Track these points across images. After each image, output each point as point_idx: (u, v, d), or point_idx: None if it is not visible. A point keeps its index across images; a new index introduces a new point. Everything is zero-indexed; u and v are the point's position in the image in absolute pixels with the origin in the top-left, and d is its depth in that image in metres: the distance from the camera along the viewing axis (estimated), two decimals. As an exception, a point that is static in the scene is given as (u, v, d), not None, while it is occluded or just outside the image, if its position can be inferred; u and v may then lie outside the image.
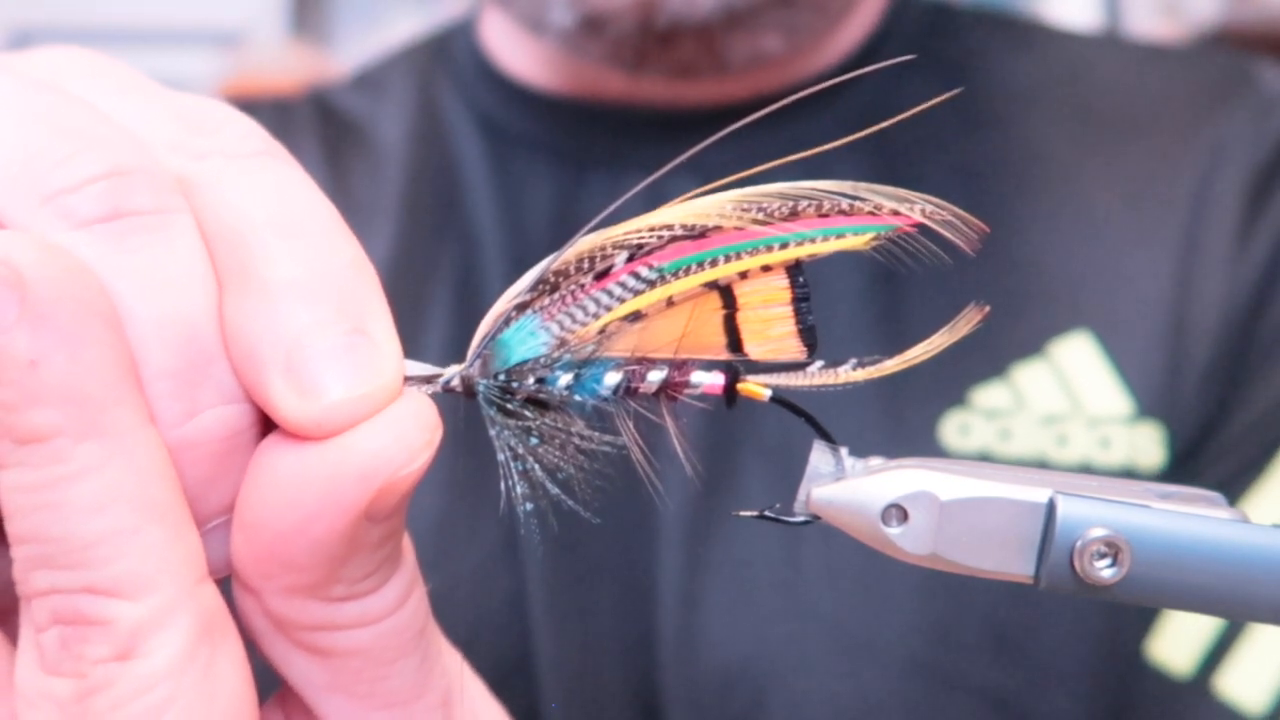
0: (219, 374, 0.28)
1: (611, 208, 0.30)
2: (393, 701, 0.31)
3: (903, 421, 0.65)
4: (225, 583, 0.30)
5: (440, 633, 0.33)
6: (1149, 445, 0.64)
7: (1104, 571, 0.30)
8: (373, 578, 0.29)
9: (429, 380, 0.31)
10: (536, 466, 0.32)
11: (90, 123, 0.29)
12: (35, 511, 0.26)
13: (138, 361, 0.27)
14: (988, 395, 0.65)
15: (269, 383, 0.28)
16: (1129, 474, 0.64)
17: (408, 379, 0.30)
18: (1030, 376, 0.66)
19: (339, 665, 0.30)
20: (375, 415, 0.28)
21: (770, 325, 0.31)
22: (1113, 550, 0.30)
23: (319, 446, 0.27)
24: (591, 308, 0.31)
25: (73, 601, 0.27)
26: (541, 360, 0.31)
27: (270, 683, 0.32)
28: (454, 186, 0.74)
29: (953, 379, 0.66)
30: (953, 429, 0.65)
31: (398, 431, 0.28)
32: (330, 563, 0.28)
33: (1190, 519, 0.30)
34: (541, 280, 0.31)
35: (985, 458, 0.64)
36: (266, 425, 0.29)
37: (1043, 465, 0.64)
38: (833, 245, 0.30)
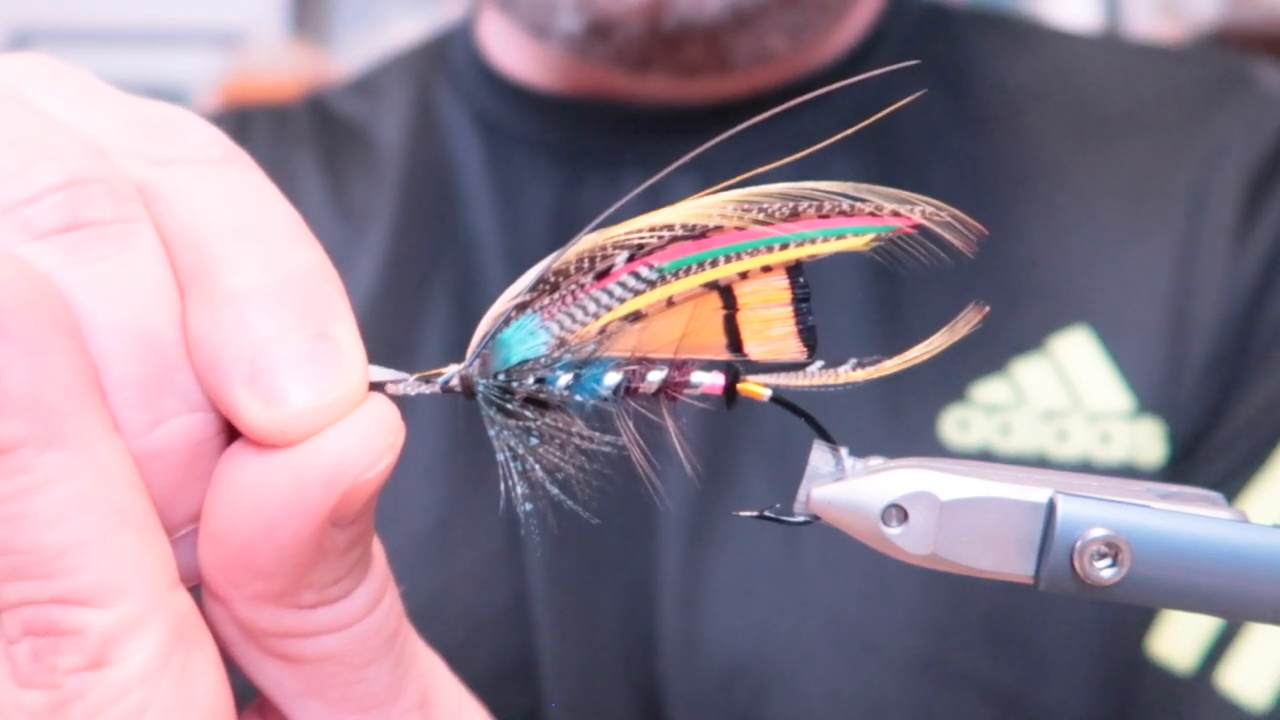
0: (183, 382, 0.28)
1: (614, 208, 0.30)
2: (369, 705, 0.31)
3: (902, 417, 0.65)
4: (197, 592, 0.30)
5: (415, 634, 0.33)
6: (1149, 441, 0.65)
7: (1104, 572, 0.30)
8: (342, 583, 0.29)
9: (429, 379, 0.31)
10: (536, 466, 0.32)
11: (47, 132, 0.29)
12: (1, 524, 0.26)
13: (100, 371, 0.27)
14: (987, 391, 0.65)
15: (233, 391, 0.27)
16: (1129, 469, 0.64)
17: (372, 384, 0.30)
18: (1030, 372, 0.66)
19: (312, 671, 0.30)
20: (340, 420, 0.28)
21: (770, 325, 0.31)
22: (1113, 550, 0.30)
23: (283, 452, 0.27)
24: (592, 307, 0.31)
25: (43, 612, 0.27)
26: (541, 360, 0.31)
27: (249, 693, 0.32)
28: (452, 188, 0.74)
29: (952, 375, 0.66)
30: (952, 424, 0.65)
31: (360, 435, 0.28)
32: (297, 569, 0.28)
33: (1190, 519, 0.30)
34: (542, 280, 0.31)
35: (985, 453, 0.64)
36: (232, 432, 0.29)
37: (1042, 461, 0.64)
38: (833, 246, 0.30)
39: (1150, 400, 0.65)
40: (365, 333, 0.30)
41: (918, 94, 0.31)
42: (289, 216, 0.30)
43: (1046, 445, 0.65)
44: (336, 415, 0.28)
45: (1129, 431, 0.64)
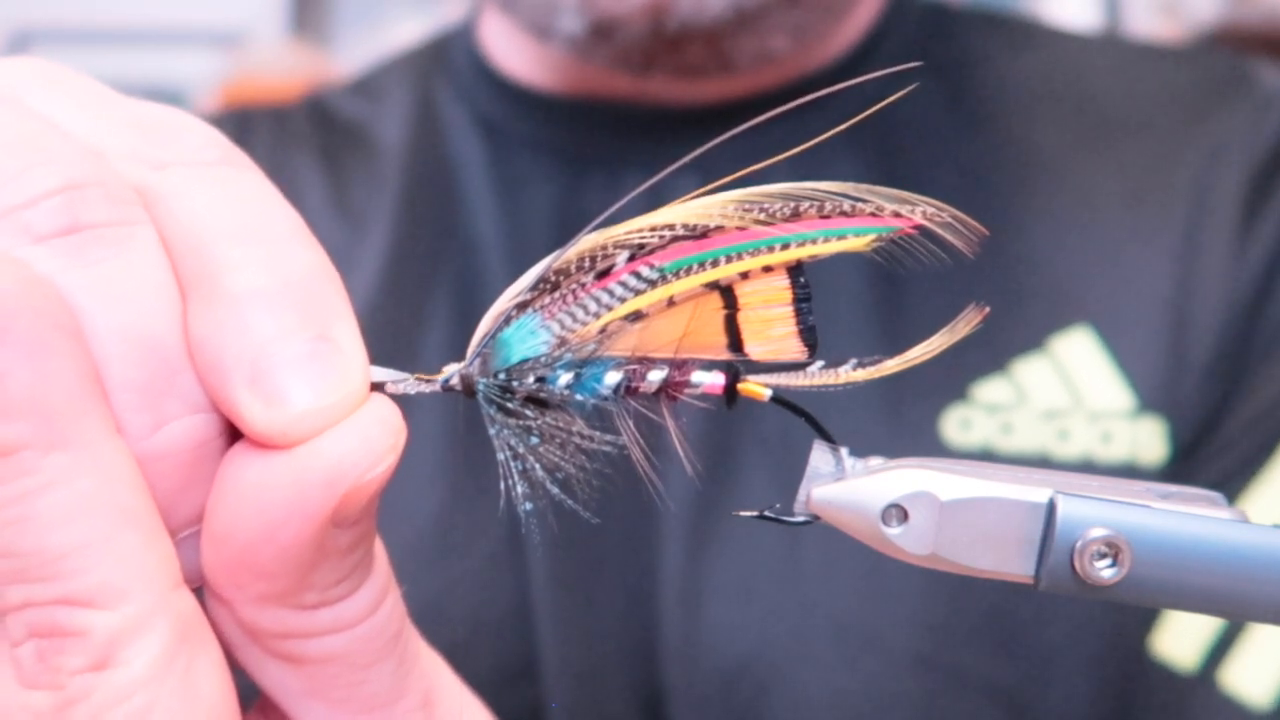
0: (184, 385, 0.28)
1: (614, 208, 0.30)
2: (371, 705, 0.31)
3: (904, 417, 0.65)
4: (200, 593, 0.30)
5: (418, 634, 0.33)
6: (1150, 440, 0.65)
7: (1104, 572, 0.30)
8: (344, 583, 0.29)
9: (429, 379, 0.31)
10: (536, 466, 0.32)
11: (45, 136, 0.29)
12: (5, 526, 0.26)
13: (102, 374, 0.27)
14: (989, 390, 0.65)
15: (235, 393, 0.27)
16: (1131, 469, 0.64)
17: (373, 384, 0.30)
18: (1031, 371, 0.66)
19: (314, 671, 0.30)
20: (341, 421, 0.28)
21: (771, 325, 0.31)
22: (1113, 550, 0.30)
23: (284, 453, 0.27)
24: (592, 307, 0.31)
25: (48, 614, 0.27)
26: (542, 359, 0.31)
27: (252, 693, 0.32)
28: (453, 188, 0.74)
29: (954, 374, 0.66)
30: (954, 424, 0.65)
31: (362, 436, 0.28)
32: (300, 570, 0.28)
33: (1190, 519, 0.30)
34: (542, 279, 0.31)
35: (986, 452, 0.64)
36: (234, 434, 0.29)
37: (1044, 460, 0.64)
38: (834, 246, 0.30)
39: (1151, 399, 0.65)
40: (366, 333, 0.30)
41: (912, 87, 0.31)
42: (289, 217, 0.30)
43: (1048, 444, 0.65)
44: (338, 416, 0.28)
45: (1130, 430, 0.64)
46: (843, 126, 0.31)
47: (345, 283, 0.30)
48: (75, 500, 0.26)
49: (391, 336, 0.69)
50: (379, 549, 0.31)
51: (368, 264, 0.71)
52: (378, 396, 0.29)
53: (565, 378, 0.31)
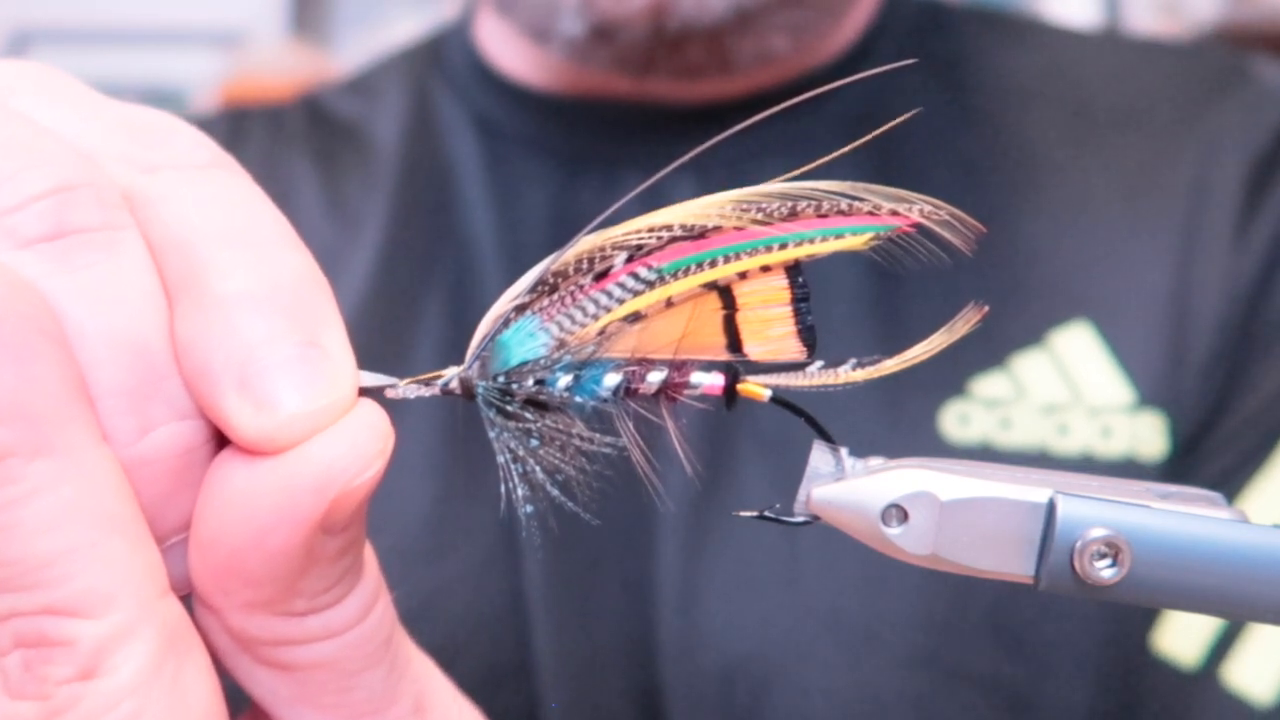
0: (171, 390, 0.28)
1: (613, 209, 0.30)
2: (363, 711, 0.31)
3: (903, 412, 0.65)
4: (189, 600, 0.30)
5: (409, 640, 0.33)
6: (1150, 435, 0.64)
7: (1104, 572, 0.30)
8: (334, 590, 0.29)
9: (428, 382, 0.31)
10: (536, 468, 0.32)
11: (34, 139, 0.29)
12: None
13: (88, 380, 0.27)
14: (988, 385, 0.65)
15: (222, 398, 0.27)
16: (1130, 464, 0.64)
17: (371, 389, 0.30)
18: (1030, 366, 0.66)
19: (304, 678, 0.30)
20: (330, 427, 0.28)
21: (770, 325, 0.31)
22: (1113, 550, 0.30)
23: (272, 459, 0.27)
24: (591, 309, 0.31)
25: (34, 623, 0.27)
26: (541, 361, 0.31)
27: (241, 700, 0.32)
28: (449, 187, 0.74)
29: (952, 369, 0.66)
30: (953, 419, 0.65)
31: (351, 441, 0.28)
32: (288, 576, 0.28)
33: (1190, 519, 0.30)
34: (541, 281, 0.31)
35: (986, 447, 0.64)
36: (221, 440, 0.29)
37: (1044, 455, 0.64)
38: (832, 245, 0.30)
39: (1151, 393, 0.65)
40: (359, 333, 0.30)
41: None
42: (277, 221, 0.30)
43: (1047, 440, 0.65)
44: (327, 421, 0.28)
45: (1130, 425, 0.64)
46: (847, 149, 0.31)
47: (338, 282, 0.30)
48: (60, 507, 0.26)
49: (384, 336, 0.69)
50: (369, 554, 0.31)
51: (361, 263, 0.71)
52: (366, 402, 0.29)
53: (564, 380, 0.31)
